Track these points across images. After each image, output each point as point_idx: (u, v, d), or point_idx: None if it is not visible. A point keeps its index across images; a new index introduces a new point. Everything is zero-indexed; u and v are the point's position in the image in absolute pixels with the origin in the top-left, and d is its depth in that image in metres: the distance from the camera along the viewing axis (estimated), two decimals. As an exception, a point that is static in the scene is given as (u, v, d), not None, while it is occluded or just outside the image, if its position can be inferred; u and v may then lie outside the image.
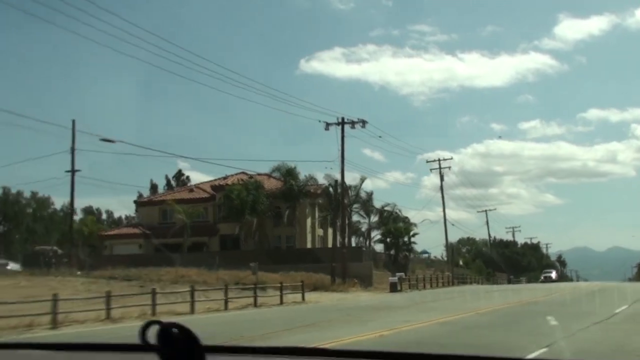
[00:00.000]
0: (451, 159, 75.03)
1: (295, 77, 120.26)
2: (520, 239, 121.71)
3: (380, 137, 57.44)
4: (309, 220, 56.13)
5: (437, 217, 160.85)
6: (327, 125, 43.53)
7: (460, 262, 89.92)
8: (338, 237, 54.34)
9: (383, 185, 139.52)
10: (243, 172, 54.03)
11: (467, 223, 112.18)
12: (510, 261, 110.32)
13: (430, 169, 74.73)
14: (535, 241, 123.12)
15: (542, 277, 79.70)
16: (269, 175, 56.23)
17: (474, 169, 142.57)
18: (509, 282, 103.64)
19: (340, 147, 43.65)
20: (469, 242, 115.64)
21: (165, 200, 55.60)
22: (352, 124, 44.37)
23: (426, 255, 76.04)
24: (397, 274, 43.72)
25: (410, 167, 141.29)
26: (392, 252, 53.44)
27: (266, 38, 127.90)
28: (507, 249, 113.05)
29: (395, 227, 55.06)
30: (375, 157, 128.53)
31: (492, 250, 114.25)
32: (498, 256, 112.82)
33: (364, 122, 43.95)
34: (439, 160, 74.24)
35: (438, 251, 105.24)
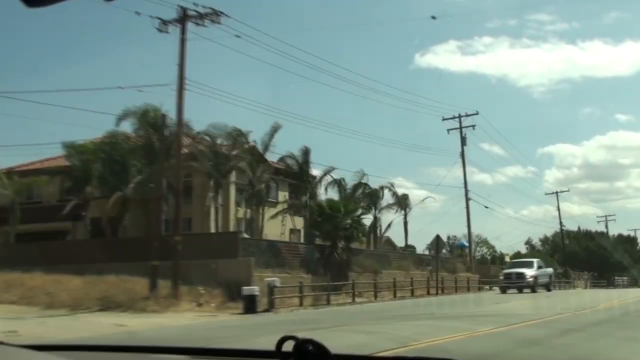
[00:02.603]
0: (476, 113, 53.42)
1: (410, 72, 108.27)
2: (618, 231, 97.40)
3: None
4: (221, 196, 38.33)
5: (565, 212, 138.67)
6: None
7: (507, 259, 68.64)
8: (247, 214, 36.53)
9: (503, 179, 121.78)
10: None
11: (592, 218, 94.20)
12: (595, 257, 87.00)
13: (448, 130, 54.75)
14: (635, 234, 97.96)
15: (500, 276, 41.47)
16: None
17: (599, 161, 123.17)
18: (608, 283, 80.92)
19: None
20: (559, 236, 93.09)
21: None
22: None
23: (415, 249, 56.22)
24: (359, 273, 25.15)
25: (532, 160, 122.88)
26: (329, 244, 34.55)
27: (380, 35, 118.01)
28: (593, 242, 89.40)
29: (331, 203, 36.17)
30: (494, 151, 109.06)
31: (572, 243, 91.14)
32: (581, 250, 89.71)
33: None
34: (459, 116, 53.94)
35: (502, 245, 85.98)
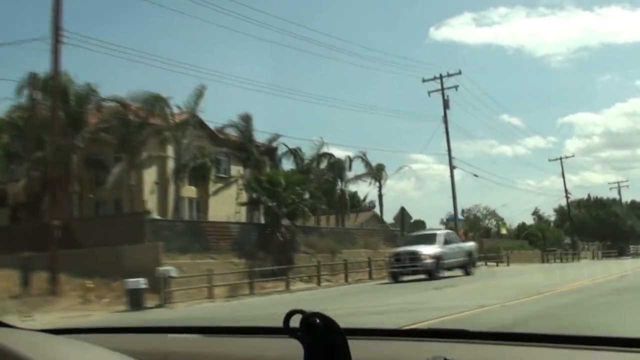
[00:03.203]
0: (459, 73, 48.13)
1: (425, 46, 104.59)
2: (632, 197, 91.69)
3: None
4: (153, 172, 33.72)
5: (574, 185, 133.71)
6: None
7: (504, 231, 63.49)
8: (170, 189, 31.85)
9: (523, 151, 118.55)
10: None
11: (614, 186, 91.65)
12: (606, 225, 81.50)
13: (429, 92, 49.51)
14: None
15: (388, 257, 29.03)
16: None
17: (620, 129, 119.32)
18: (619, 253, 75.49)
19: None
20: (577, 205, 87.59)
21: None
22: None
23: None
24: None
25: (552, 131, 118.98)
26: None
27: (394, 10, 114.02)
28: (603, 210, 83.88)
29: (271, 175, 31.30)
30: (513, 122, 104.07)
31: (583, 213, 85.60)
32: (591, 219, 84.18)
33: None
34: (440, 76, 48.68)
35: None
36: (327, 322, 1.21)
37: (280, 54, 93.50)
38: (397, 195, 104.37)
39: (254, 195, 30.08)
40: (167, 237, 25.26)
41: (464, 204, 79.85)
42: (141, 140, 27.75)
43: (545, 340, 1.54)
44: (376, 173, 43.12)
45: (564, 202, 77.88)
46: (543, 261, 53.21)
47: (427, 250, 26.12)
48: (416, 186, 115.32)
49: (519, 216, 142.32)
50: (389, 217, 55.11)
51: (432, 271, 25.46)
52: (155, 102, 28.59)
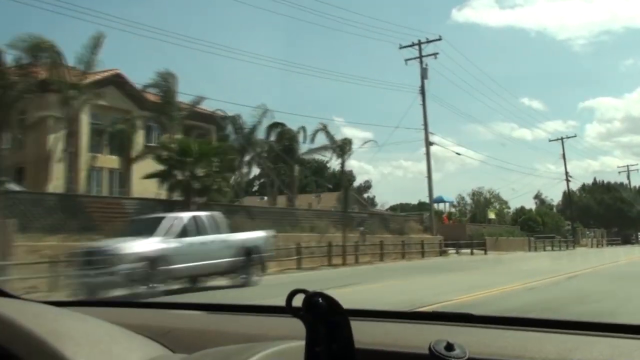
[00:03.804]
0: (439, 39, 43.07)
1: (447, 28, 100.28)
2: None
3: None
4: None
5: (582, 171, 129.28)
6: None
7: (492, 215, 58.49)
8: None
9: (543, 135, 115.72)
10: None
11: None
12: (612, 210, 76.18)
13: (406, 60, 44.67)
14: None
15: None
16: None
17: None
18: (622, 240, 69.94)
19: None
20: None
21: None
22: None
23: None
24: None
25: (572, 115, 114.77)
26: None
27: None
28: (609, 194, 78.49)
29: (181, 141, 26.58)
30: (533, 106, 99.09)
31: (587, 196, 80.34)
32: (596, 204, 78.90)
33: None
34: (419, 42, 43.72)
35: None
36: (330, 302, 1.18)
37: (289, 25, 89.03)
38: (414, 176, 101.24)
39: (161, 166, 25.50)
40: (28, 213, 20.78)
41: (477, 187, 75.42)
42: (16, 96, 22.99)
43: (549, 325, 1.58)
44: (338, 147, 38.21)
45: (572, 187, 72.86)
46: (530, 249, 48.26)
47: (129, 247, 14.95)
48: (435, 168, 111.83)
49: (521, 200, 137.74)
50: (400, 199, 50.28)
51: (139, 281, 14.48)
52: (41, 50, 23.78)
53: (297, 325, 1.22)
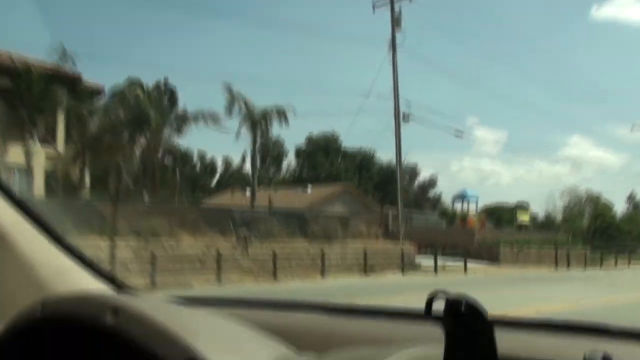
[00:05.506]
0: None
1: (586, 26, 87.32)
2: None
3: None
4: None
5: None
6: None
7: (524, 218, 45.05)
8: None
9: None
10: None
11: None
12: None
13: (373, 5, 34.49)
14: None
15: None
16: None
17: None
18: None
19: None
20: None
21: None
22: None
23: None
24: None
25: None
26: None
27: None
28: None
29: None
30: None
31: None
32: None
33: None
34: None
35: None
36: (473, 308, 1.13)
37: None
38: (433, 163, 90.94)
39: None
40: None
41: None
42: None
43: None
44: (255, 122, 28.06)
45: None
46: (557, 266, 34.94)
47: None
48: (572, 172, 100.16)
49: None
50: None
51: None
52: None
53: (430, 330, 1.17)
